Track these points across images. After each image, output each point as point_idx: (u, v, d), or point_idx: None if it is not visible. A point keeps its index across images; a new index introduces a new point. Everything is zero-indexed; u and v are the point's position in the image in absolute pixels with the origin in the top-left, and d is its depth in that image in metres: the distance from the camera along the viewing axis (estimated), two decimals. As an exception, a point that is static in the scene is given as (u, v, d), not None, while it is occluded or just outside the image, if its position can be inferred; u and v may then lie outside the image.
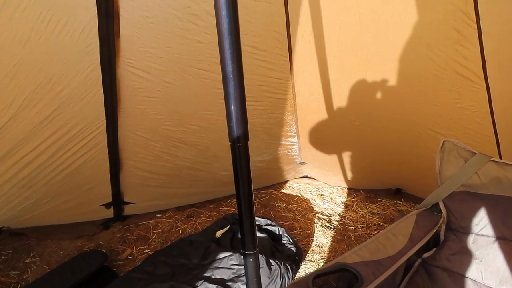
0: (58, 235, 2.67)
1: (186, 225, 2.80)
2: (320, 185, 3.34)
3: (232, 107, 0.83)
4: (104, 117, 2.22)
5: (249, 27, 2.18)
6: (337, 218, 2.87)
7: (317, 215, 2.90)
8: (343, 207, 3.02)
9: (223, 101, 0.95)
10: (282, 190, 3.31)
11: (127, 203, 2.78)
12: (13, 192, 2.27)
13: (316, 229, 2.71)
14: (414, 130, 2.38)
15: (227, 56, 0.74)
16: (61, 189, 2.42)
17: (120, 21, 1.91)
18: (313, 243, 2.56)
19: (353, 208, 2.98)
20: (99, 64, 1.99)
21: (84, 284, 2.17)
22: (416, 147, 2.47)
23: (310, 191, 3.27)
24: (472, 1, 1.59)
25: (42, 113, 2.03)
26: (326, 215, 2.90)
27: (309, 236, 2.64)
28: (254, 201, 1.08)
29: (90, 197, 2.62)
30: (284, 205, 3.05)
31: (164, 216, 2.92)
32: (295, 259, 2.27)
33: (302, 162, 3.24)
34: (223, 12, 0.68)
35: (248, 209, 0.96)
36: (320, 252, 2.46)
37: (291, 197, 3.19)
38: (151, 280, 2.05)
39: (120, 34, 1.95)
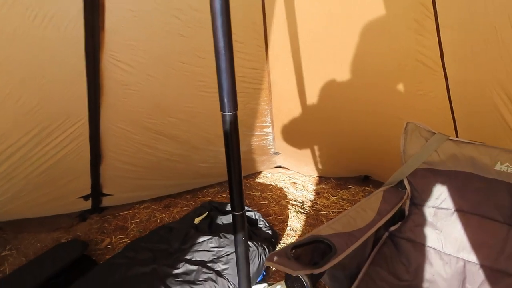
0: (34, 228, 2.66)
1: (163, 215, 2.87)
2: (293, 174, 3.47)
3: (223, 80, 0.92)
4: (87, 109, 2.24)
5: (230, 20, 2.27)
6: (310, 204, 3.01)
7: (290, 202, 3.03)
8: (315, 194, 3.16)
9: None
10: (257, 180, 3.42)
11: (106, 194, 2.80)
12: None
13: (290, 215, 2.84)
14: (381, 119, 2.52)
15: (219, 33, 0.83)
16: (40, 182, 2.42)
17: (105, 14, 1.94)
18: (288, 228, 2.69)
19: (324, 195, 3.12)
20: (84, 57, 2.01)
21: (65, 273, 2.18)
22: (381, 135, 2.61)
23: (283, 180, 3.39)
24: (430, -6, 1.75)
25: (25, 106, 2.04)
26: (299, 202, 3.04)
27: (284, 221, 2.76)
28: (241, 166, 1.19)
29: (68, 190, 2.62)
30: (259, 194, 3.16)
31: (142, 206, 2.97)
32: (272, 241, 2.38)
33: (276, 152, 3.35)
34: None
35: (237, 173, 1.07)
36: (294, 236, 2.59)
37: (265, 186, 3.31)
38: (133, 264, 2.10)
39: (105, 27, 1.98)
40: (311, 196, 3.14)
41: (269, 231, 2.45)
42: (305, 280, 1.35)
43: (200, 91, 2.41)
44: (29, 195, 2.46)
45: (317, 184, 3.31)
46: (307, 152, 3.13)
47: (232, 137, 1.02)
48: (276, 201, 3.05)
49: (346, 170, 3.29)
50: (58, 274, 2.17)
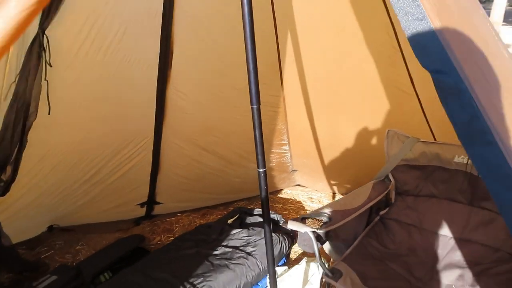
0: (99, 230, 3.24)
1: (202, 220, 3.44)
2: (310, 191, 4.00)
3: (252, 80, 1.46)
4: (153, 127, 2.89)
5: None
6: (324, 214, 3.53)
7: (307, 212, 3.56)
8: (329, 206, 3.68)
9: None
10: (279, 195, 3.98)
11: (158, 203, 3.40)
12: (78, 190, 2.90)
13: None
14: (379, 140, 3.05)
15: (249, 47, 1.41)
16: (111, 189, 3.02)
17: (173, 58, 2.64)
18: (305, 230, 3.21)
19: (337, 208, 3.64)
20: (155, 88, 2.71)
21: (126, 259, 2.72)
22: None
23: (301, 196, 3.94)
24: (394, 35, 2.34)
25: (113, 127, 2.73)
26: (315, 212, 3.56)
27: (302, 225, 3.29)
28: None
29: (130, 197, 3.22)
30: (280, 205, 3.73)
31: (184, 215, 3.56)
32: (290, 235, 2.91)
33: (294, 170, 3.91)
34: (248, 28, 1.39)
35: (259, 138, 1.54)
36: (310, 235, 3.10)
37: (286, 200, 3.87)
38: (180, 249, 2.67)
39: (172, 67, 2.67)
40: (326, 208, 3.65)
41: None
42: (310, 236, 1.91)
43: (235, 114, 3.04)
44: (101, 201, 3.08)
45: (331, 199, 3.84)
46: (321, 169, 3.67)
47: (257, 119, 1.55)
48: (295, 211, 3.61)
49: (355, 187, 3.78)
50: (121, 260, 2.72)
